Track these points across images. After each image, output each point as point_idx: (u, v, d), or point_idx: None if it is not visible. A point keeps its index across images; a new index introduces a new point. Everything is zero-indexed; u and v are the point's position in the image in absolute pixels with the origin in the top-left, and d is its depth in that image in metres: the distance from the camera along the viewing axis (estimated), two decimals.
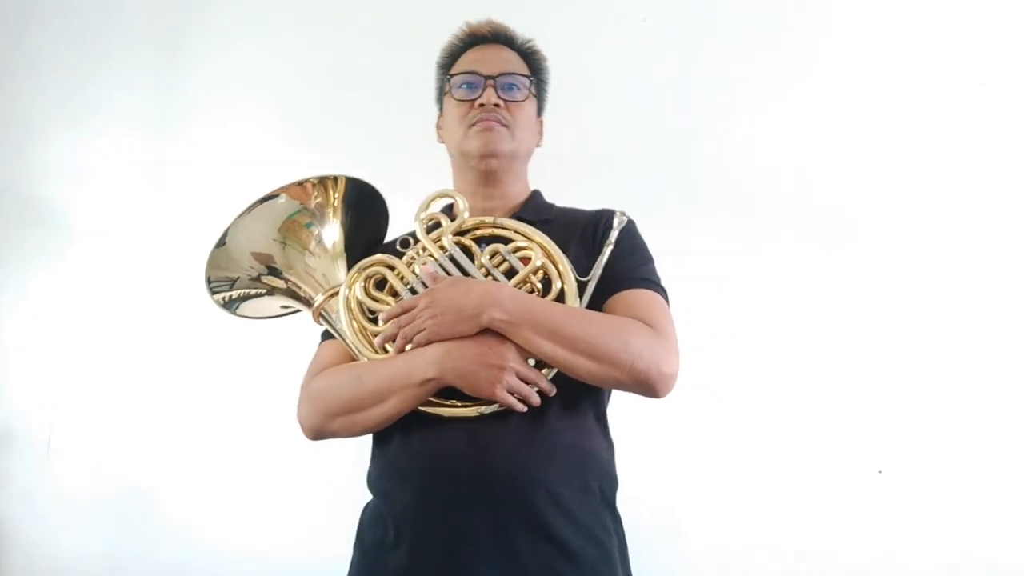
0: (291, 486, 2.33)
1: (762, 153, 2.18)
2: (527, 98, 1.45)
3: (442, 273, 1.29)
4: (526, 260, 1.31)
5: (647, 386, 1.22)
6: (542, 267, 1.29)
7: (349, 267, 1.39)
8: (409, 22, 2.43)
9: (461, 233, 1.36)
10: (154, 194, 2.57)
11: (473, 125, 1.41)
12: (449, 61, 1.52)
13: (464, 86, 1.45)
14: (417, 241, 1.35)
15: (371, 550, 1.28)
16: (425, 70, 2.35)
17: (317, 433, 1.31)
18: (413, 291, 1.30)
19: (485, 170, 1.43)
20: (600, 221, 1.41)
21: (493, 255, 1.32)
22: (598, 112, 2.22)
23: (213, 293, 1.41)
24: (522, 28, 1.56)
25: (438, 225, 1.36)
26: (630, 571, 1.30)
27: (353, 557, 1.34)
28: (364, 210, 1.47)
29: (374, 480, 1.33)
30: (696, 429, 1.92)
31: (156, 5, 2.64)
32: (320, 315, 1.37)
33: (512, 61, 1.47)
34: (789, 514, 2.03)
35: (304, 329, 2.15)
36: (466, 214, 1.35)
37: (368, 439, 1.37)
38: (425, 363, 1.20)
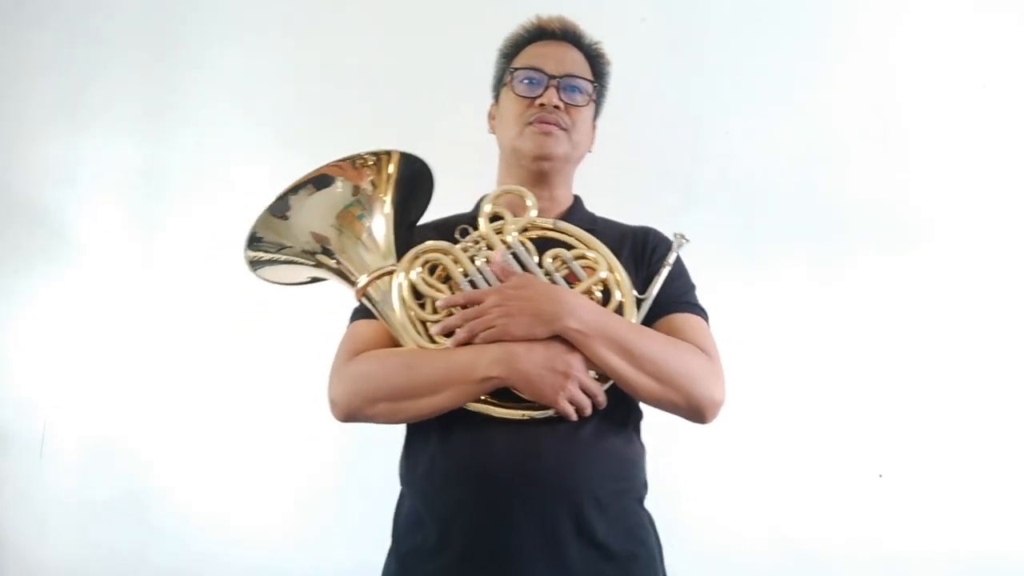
0: (289, 490, 2.30)
1: (762, 154, 2.22)
2: (588, 103, 1.43)
3: (511, 269, 1.26)
4: (588, 269, 1.29)
5: (699, 412, 1.24)
6: (605, 280, 1.28)
7: (398, 248, 1.33)
8: (405, 22, 2.42)
9: (521, 231, 1.33)
10: (148, 196, 2.53)
11: (530, 124, 1.38)
12: (512, 51, 1.48)
13: (526, 81, 1.41)
14: (475, 232, 1.31)
15: (409, 556, 1.25)
16: (421, 70, 2.38)
17: (351, 416, 1.25)
18: (472, 284, 1.26)
19: (537, 170, 1.40)
20: (648, 238, 1.42)
21: (554, 258, 1.30)
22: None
23: (252, 249, 1.32)
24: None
25: (498, 218, 1.33)
26: (666, 571, 1.33)
27: (389, 564, 1.31)
28: (412, 187, 1.41)
29: (413, 480, 1.29)
30: (695, 432, 1.97)
31: (149, 6, 2.58)
32: (364, 295, 1.31)
33: (577, 62, 1.44)
34: (790, 517, 2.08)
35: (300, 331, 2.19)
36: (534, 212, 1.33)
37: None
38: (489, 361, 1.17)
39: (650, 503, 1.33)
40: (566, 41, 1.46)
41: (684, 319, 1.33)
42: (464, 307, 1.23)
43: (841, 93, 2.22)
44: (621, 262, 1.35)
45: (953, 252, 2.14)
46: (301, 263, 1.34)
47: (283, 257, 1.33)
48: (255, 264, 1.36)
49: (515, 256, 1.29)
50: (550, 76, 1.39)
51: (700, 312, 1.36)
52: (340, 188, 1.32)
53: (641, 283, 1.34)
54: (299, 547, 2.27)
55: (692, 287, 1.41)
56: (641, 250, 1.40)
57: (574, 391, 1.18)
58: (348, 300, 1.38)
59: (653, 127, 2.24)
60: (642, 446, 1.35)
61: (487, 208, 1.32)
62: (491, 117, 1.53)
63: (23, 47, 2.61)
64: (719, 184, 2.21)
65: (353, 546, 2.17)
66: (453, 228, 1.38)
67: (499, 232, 1.31)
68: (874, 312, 2.13)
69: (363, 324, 1.34)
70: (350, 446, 2.14)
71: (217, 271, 2.37)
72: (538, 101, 1.38)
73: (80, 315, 2.51)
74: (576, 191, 1.52)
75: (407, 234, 1.38)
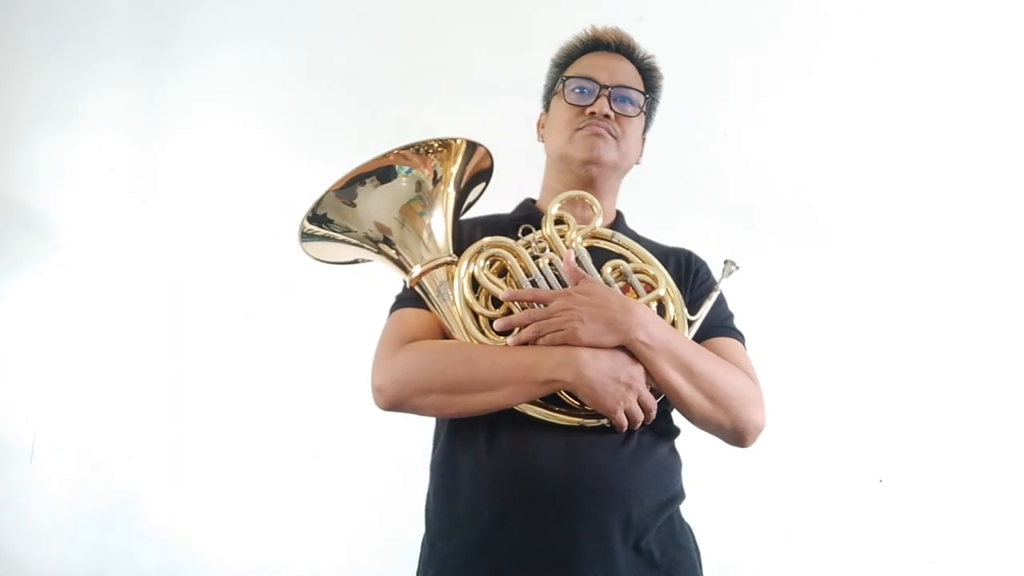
0: (281, 495, 2.25)
1: (760, 155, 2.23)
2: (639, 115, 1.45)
3: (584, 273, 1.25)
4: (646, 284, 1.30)
5: (741, 436, 1.26)
6: (664, 297, 1.29)
7: (455, 239, 1.30)
8: (398, 23, 2.40)
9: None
10: (139, 197, 2.50)
11: (580, 129, 1.38)
12: (566, 61, 1.49)
13: (578, 90, 1.42)
14: (537, 232, 1.31)
15: (453, 557, 1.22)
16: (414, 72, 2.37)
17: (398, 405, 1.21)
18: (534, 284, 1.24)
19: (585, 176, 1.40)
20: (692, 261, 1.45)
21: (614, 269, 1.30)
22: None
23: (313, 223, 1.27)
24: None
25: (560, 222, 1.32)
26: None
27: (428, 566, 1.27)
28: (473, 179, 1.39)
29: (457, 481, 1.25)
30: (693, 438, 1.99)
31: (141, 5, 2.57)
32: (418, 284, 1.28)
33: (630, 74, 1.46)
34: (790, 522, 2.08)
35: (293, 337, 2.16)
36: (599, 221, 1.33)
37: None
38: (555, 363, 1.15)
39: None
40: (619, 53, 1.48)
41: (727, 343, 1.35)
42: (527, 306, 1.22)
43: (838, 92, 2.22)
44: None
45: (958, 255, 2.14)
46: (361, 246, 1.30)
47: (344, 238, 1.29)
48: (307, 236, 1.31)
49: (577, 262, 1.28)
50: (602, 86, 1.40)
51: (740, 337, 1.39)
52: (404, 181, 1.29)
53: (684, 303, 1.35)
54: (290, 552, 2.22)
55: (731, 314, 1.43)
56: (685, 271, 1.42)
57: (632, 403, 1.18)
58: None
59: (649, 131, 2.26)
60: (679, 458, 1.36)
61: (554, 210, 1.31)
62: (540, 126, 1.53)
63: (13, 47, 2.59)
64: (716, 187, 2.22)
65: (348, 550, 2.13)
66: (498, 227, 1.37)
67: (561, 236, 1.30)
68: (876, 316, 2.13)
69: (411, 312, 1.30)
70: (343, 448, 2.12)
71: (209, 273, 2.36)
72: (589, 109, 1.38)
73: (70, 319, 2.47)
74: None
75: (455, 227, 1.36)
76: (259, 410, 2.31)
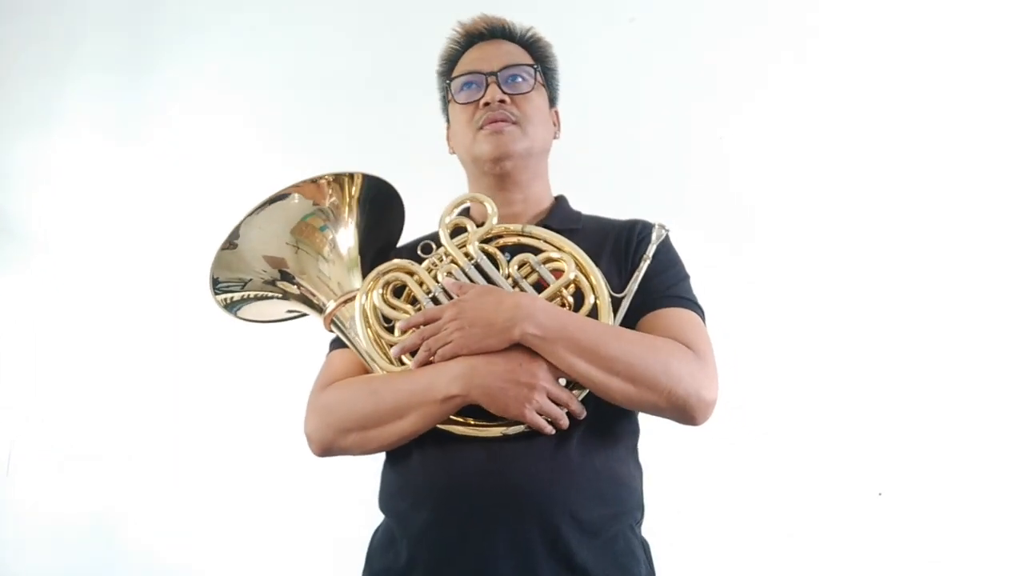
0: (263, 512, 2.23)
1: (757, 159, 2.14)
2: (533, 88, 1.36)
3: (467, 283, 1.20)
4: (557, 272, 1.22)
5: (685, 413, 1.15)
6: (574, 280, 1.21)
7: (364, 272, 1.30)
8: (384, 22, 2.39)
9: (486, 241, 1.27)
10: (120, 200, 2.46)
11: (481, 128, 1.33)
12: (448, 67, 1.44)
13: (465, 88, 1.37)
14: (439, 247, 1.26)
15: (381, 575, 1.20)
16: (401, 71, 2.28)
17: (326, 449, 1.22)
18: (435, 300, 1.21)
19: (500, 173, 1.34)
20: (634, 232, 1.33)
21: (521, 265, 1.23)
22: (585, 114, 2.14)
23: (217, 293, 1.31)
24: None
25: (462, 230, 1.28)
26: None
27: None
28: (380, 210, 1.38)
29: (387, 500, 1.24)
30: (691, 449, 1.88)
31: (120, 7, 2.57)
32: (332, 322, 1.28)
33: (513, 53, 1.39)
34: (789, 535, 1.99)
35: (275, 345, 2.05)
36: (495, 220, 1.26)
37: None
38: (449, 379, 1.12)
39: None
40: (496, 38, 1.42)
41: (671, 314, 1.24)
42: (426, 325, 1.18)
43: (833, 92, 2.14)
44: (602, 260, 1.28)
45: (960, 261, 2.04)
46: (265, 297, 1.32)
47: (245, 295, 1.32)
48: (230, 307, 1.35)
49: (478, 267, 1.23)
50: (487, 73, 1.34)
51: (689, 304, 1.26)
52: (296, 201, 1.28)
53: (626, 279, 1.25)
54: (270, 568, 2.21)
55: (683, 278, 1.31)
56: (625, 244, 1.32)
57: (542, 402, 1.11)
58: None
59: (642, 131, 2.17)
60: (638, 467, 1.26)
61: (446, 220, 1.27)
62: (448, 139, 1.49)
63: None
64: (711, 191, 2.13)
65: (326, 569, 2.11)
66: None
67: (462, 245, 1.26)
68: (877, 324, 2.03)
69: (337, 354, 1.32)
70: (322, 467, 2.07)
71: (193, 279, 2.27)
72: (482, 101, 1.33)
73: (48, 327, 2.43)
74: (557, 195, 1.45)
75: (380, 259, 1.35)
76: (241, 424, 2.26)
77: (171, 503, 2.29)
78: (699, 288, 1.32)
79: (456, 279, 1.21)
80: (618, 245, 1.32)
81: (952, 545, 1.93)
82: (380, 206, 1.37)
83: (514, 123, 1.32)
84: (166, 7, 2.54)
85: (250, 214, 1.26)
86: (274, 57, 2.45)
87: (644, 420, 1.26)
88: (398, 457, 1.22)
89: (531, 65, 1.38)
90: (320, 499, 2.11)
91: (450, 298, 1.19)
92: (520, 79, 1.35)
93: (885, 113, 2.11)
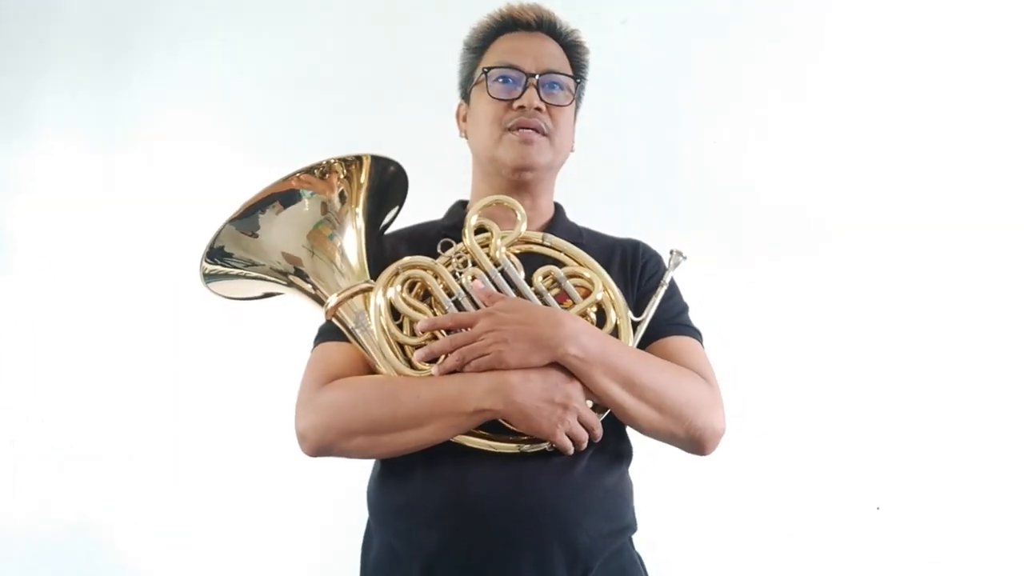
0: (244, 522, 2.18)
1: (751, 164, 2.14)
2: (570, 102, 1.32)
3: (496, 292, 1.15)
4: (581, 289, 1.20)
5: (699, 444, 1.17)
6: (601, 301, 1.19)
7: (371, 263, 1.21)
8: (368, 25, 2.32)
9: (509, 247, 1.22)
10: (97, 206, 2.40)
11: (510, 130, 1.27)
12: (481, 45, 1.36)
13: (501, 80, 1.29)
14: (458, 246, 1.20)
15: None
16: (385, 75, 2.25)
17: (323, 450, 1.12)
18: (457, 304, 1.15)
19: (519, 181, 1.29)
20: (639, 254, 1.33)
21: (545, 276, 1.20)
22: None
23: (213, 261, 1.18)
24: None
25: (482, 230, 1.22)
26: None
27: None
28: (385, 194, 1.29)
29: (385, 516, 1.16)
30: (688, 463, 1.93)
31: (97, 9, 2.47)
32: (335, 316, 1.18)
33: (555, 56, 1.33)
34: (787, 550, 2.02)
35: (265, 352, 2.06)
36: (523, 225, 1.22)
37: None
38: (483, 392, 1.06)
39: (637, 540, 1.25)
40: (540, 31, 1.35)
41: (680, 343, 1.25)
42: (450, 331, 1.12)
43: (831, 98, 2.16)
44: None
45: (959, 269, 2.06)
46: (270, 280, 1.21)
47: (252, 273, 1.20)
48: (210, 277, 1.21)
49: (504, 274, 1.18)
50: (528, 74, 1.27)
51: (695, 334, 1.28)
52: (308, 204, 1.19)
53: (632, 302, 1.26)
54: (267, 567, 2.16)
55: (685, 307, 1.33)
56: (632, 266, 1.31)
57: (572, 424, 1.09)
58: (311, 316, 1.26)
59: (634, 135, 2.17)
60: (631, 484, 1.27)
61: (473, 220, 1.20)
62: (460, 118, 1.41)
63: None
64: (705, 196, 2.13)
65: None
66: (425, 239, 1.27)
67: (484, 246, 1.20)
68: (873, 336, 2.06)
69: (333, 347, 1.21)
70: (310, 477, 1.98)
71: (175, 284, 2.25)
72: (516, 103, 1.26)
73: (24, 335, 2.38)
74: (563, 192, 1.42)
75: (377, 245, 1.26)
76: (222, 434, 2.22)
77: (151, 516, 2.26)
78: (694, 294, 1.34)
79: (483, 285, 1.16)
80: (624, 266, 1.32)
81: (950, 560, 1.98)
82: (385, 189, 1.28)
83: (544, 135, 1.27)
84: (142, 14, 2.45)
85: (259, 201, 1.17)
86: (260, 60, 2.37)
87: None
88: (401, 470, 1.15)
89: (572, 76, 1.33)
90: (314, 503, 2.05)
91: (474, 303, 1.14)
92: (559, 89, 1.30)
93: (878, 115, 2.12)
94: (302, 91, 2.32)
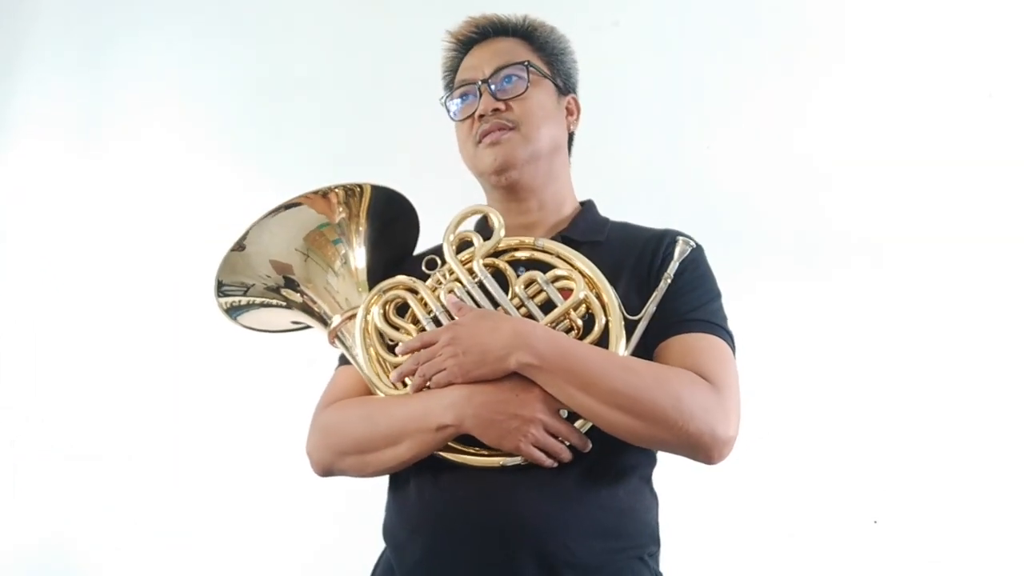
0: (251, 532, 2.15)
1: (747, 168, 2.04)
2: (529, 85, 1.26)
3: (469, 303, 1.14)
4: (566, 292, 1.14)
5: (699, 451, 1.06)
6: (584, 301, 1.12)
7: (371, 286, 1.25)
8: (351, 23, 2.32)
9: (496, 255, 1.20)
10: (75, 207, 2.40)
11: (479, 142, 1.25)
12: (450, 78, 1.37)
13: (459, 100, 1.30)
14: (444, 263, 1.19)
15: None
16: (365, 80, 2.26)
17: (326, 470, 1.19)
18: (437, 321, 1.15)
19: (507, 184, 1.27)
20: (661, 245, 1.23)
21: (529, 284, 1.16)
22: None
23: (221, 296, 1.29)
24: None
25: (469, 244, 1.21)
26: None
27: None
28: (391, 221, 1.33)
29: (388, 530, 1.20)
30: (685, 476, 1.82)
31: (77, 7, 2.51)
32: (336, 337, 1.24)
33: (503, 51, 1.29)
34: (784, 564, 1.92)
35: (248, 364, 2.03)
36: (501, 233, 1.19)
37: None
38: (442, 407, 1.06)
39: None
40: (489, 37, 1.33)
41: (690, 340, 1.14)
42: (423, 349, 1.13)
43: (826, 103, 2.05)
44: (623, 276, 1.19)
45: (959, 277, 1.94)
46: (268, 304, 1.29)
47: (247, 300, 1.29)
48: (231, 311, 1.33)
49: (481, 287, 1.16)
50: (479, 83, 1.26)
51: (714, 329, 1.16)
52: (311, 212, 1.24)
53: (647, 299, 1.16)
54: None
55: (711, 299, 1.20)
56: (650, 259, 1.22)
57: (539, 435, 1.05)
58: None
59: (627, 139, 2.09)
60: (653, 497, 1.19)
61: (450, 236, 1.20)
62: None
63: None
64: (699, 202, 2.02)
65: None
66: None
67: (467, 261, 1.19)
68: (870, 348, 1.95)
69: (342, 371, 1.28)
70: (314, 490, 1.97)
71: (150, 289, 2.23)
72: (476, 114, 1.25)
73: (5, 340, 2.37)
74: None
75: (391, 272, 1.29)
76: (203, 450, 2.18)
77: (127, 534, 2.22)
78: None
79: (459, 298, 1.15)
80: (642, 260, 1.22)
81: (948, 572, 1.87)
82: (392, 217, 1.32)
83: (512, 129, 1.24)
84: (120, 14, 2.48)
85: (263, 218, 1.22)
86: (241, 61, 2.39)
87: None
88: (399, 485, 1.18)
89: (521, 62, 1.27)
90: (324, 518, 2.07)
91: (451, 318, 1.13)
92: (514, 79, 1.26)
93: (875, 120, 2.02)
94: (287, 93, 2.33)
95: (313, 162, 2.14)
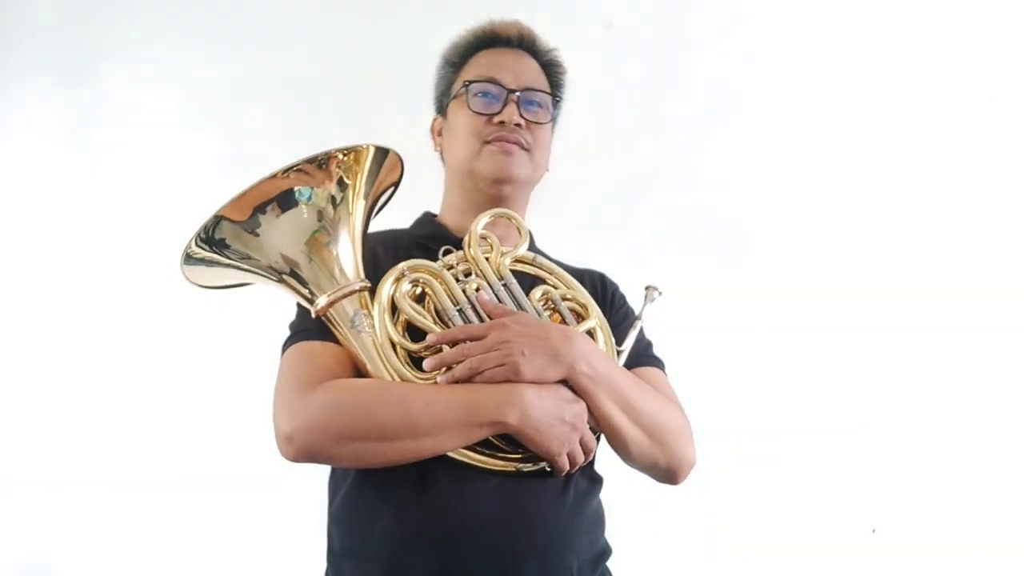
0: (203, 553, 2.08)
1: (742, 171, 2.11)
2: (548, 120, 1.34)
3: (503, 306, 1.14)
4: (574, 313, 1.21)
5: (675, 474, 1.20)
6: (593, 329, 1.20)
7: (364, 256, 1.15)
8: (339, 24, 2.27)
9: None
10: (61, 207, 2.33)
11: (489, 143, 1.27)
12: (460, 59, 1.35)
13: (481, 95, 1.29)
14: (461, 258, 1.18)
15: None
16: (353, 81, 2.21)
17: (311, 454, 1.04)
18: (461, 313, 1.12)
19: (496, 194, 1.29)
20: (607, 285, 1.37)
21: (542, 296, 1.20)
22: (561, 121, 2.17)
23: (203, 245, 1.07)
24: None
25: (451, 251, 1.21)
26: None
27: None
28: (380, 188, 1.23)
29: (373, 539, 1.07)
30: (684, 486, 1.95)
31: (63, 7, 2.40)
32: (326, 315, 1.11)
33: (535, 73, 1.34)
34: (783, 573, 2.00)
35: (224, 356, 1.99)
36: (525, 245, 1.22)
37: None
38: (499, 403, 1.03)
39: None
40: (520, 48, 1.36)
41: (651, 373, 1.28)
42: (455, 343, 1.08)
43: (819, 101, 2.12)
44: None
45: (959, 285, 2.03)
46: (261, 275, 1.13)
47: (243, 266, 1.12)
48: (194, 260, 1.10)
49: (507, 288, 1.17)
50: (509, 90, 1.28)
51: (662, 366, 1.32)
52: (307, 206, 1.12)
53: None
54: None
55: (651, 341, 1.37)
56: (602, 296, 1.33)
57: (575, 445, 1.09)
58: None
59: (620, 142, 2.13)
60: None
61: (479, 229, 1.19)
62: (435, 133, 1.39)
63: None
64: (694, 207, 2.10)
65: None
66: (399, 246, 1.24)
67: (485, 258, 1.18)
68: (867, 356, 2.05)
69: (319, 347, 1.13)
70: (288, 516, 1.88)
71: (137, 290, 2.20)
72: (497, 118, 1.26)
73: None
74: (531, 213, 1.40)
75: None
76: (183, 460, 2.12)
77: (106, 551, 2.15)
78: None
79: (488, 296, 1.14)
80: (595, 294, 1.32)
81: None
82: (383, 180, 1.23)
83: (525, 149, 1.28)
84: (108, 13, 2.38)
85: (262, 200, 1.10)
86: (229, 60, 2.32)
87: None
88: (384, 489, 1.08)
89: (551, 95, 1.34)
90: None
91: (478, 316, 1.12)
92: (539, 107, 1.31)
93: (868, 117, 2.11)
94: (274, 92, 2.28)
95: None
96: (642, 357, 1.29)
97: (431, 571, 1.03)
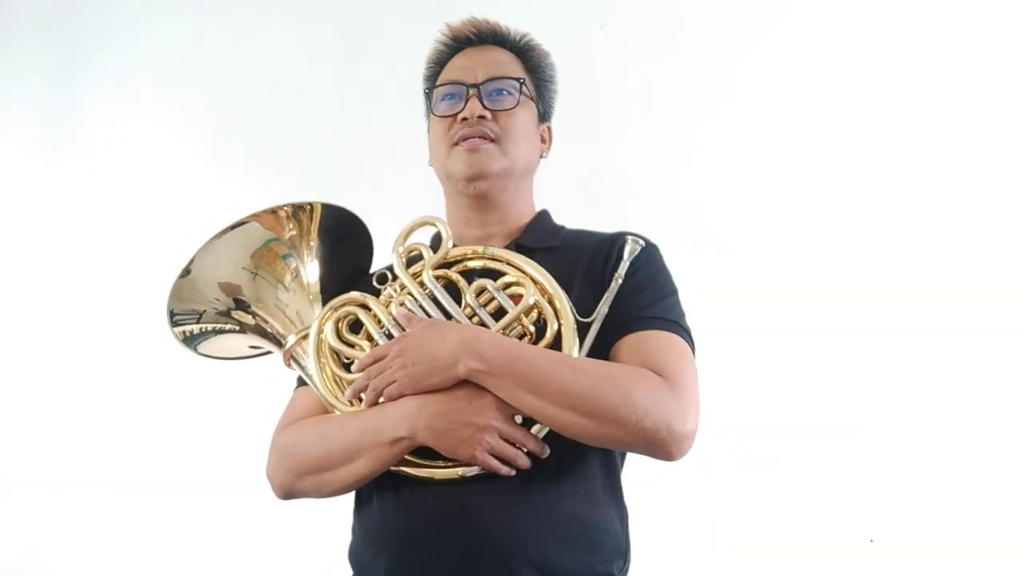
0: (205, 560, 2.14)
1: (739, 173, 2.07)
2: (518, 103, 1.27)
3: (420, 315, 1.13)
4: (517, 298, 1.14)
5: (656, 448, 1.05)
6: (535, 306, 1.12)
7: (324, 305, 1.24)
8: (328, 28, 2.34)
9: (447, 266, 1.20)
10: (48, 211, 2.38)
11: (456, 144, 1.24)
12: (434, 71, 1.35)
13: (446, 99, 1.28)
14: (396, 277, 1.19)
15: None
16: (346, 79, 2.28)
17: (286, 492, 1.18)
18: (390, 336, 1.14)
19: (475, 194, 1.26)
20: (613, 248, 1.22)
21: (480, 292, 1.16)
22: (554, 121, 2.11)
23: (175, 326, 1.28)
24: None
25: (420, 258, 1.21)
26: None
27: None
28: (344, 240, 1.32)
29: (353, 549, 1.18)
30: (683, 494, 1.86)
31: (49, 9, 2.49)
32: (292, 358, 1.23)
33: (502, 63, 1.29)
34: (783, 573, 1.93)
35: (225, 389, 1.94)
36: (450, 244, 1.19)
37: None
38: (396, 420, 1.05)
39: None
40: (486, 44, 1.32)
41: (644, 337, 1.13)
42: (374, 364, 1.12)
43: (813, 101, 2.08)
44: (575, 280, 1.18)
45: (959, 289, 1.97)
46: (223, 330, 1.28)
47: (200, 328, 1.28)
48: (188, 341, 1.32)
49: (432, 298, 1.16)
50: (469, 85, 1.25)
51: (669, 326, 1.14)
52: (257, 228, 1.24)
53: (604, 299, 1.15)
54: None
55: (665, 296, 1.19)
56: (603, 261, 1.21)
57: (494, 442, 1.04)
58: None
59: (616, 144, 2.10)
60: (618, 508, 1.17)
61: (400, 249, 1.20)
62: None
63: None
64: (690, 210, 2.04)
65: None
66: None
67: (418, 274, 1.19)
68: (867, 362, 1.99)
69: (300, 392, 1.27)
70: (267, 525, 1.97)
71: (129, 299, 2.19)
72: (460, 116, 1.24)
73: None
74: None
75: (346, 289, 1.28)
76: (180, 462, 2.17)
77: (95, 556, 2.20)
78: (683, 305, 1.22)
79: (410, 311, 1.14)
80: (594, 263, 1.21)
81: None
82: (344, 234, 1.32)
83: (492, 140, 1.24)
84: (93, 13, 2.47)
85: (208, 243, 1.21)
86: (218, 64, 2.40)
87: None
88: (362, 503, 1.17)
89: (517, 79, 1.28)
90: (291, 545, 2.01)
91: (403, 331, 1.13)
92: (505, 93, 1.26)
93: (867, 117, 2.06)
94: (263, 98, 2.33)
95: (284, 162, 2.19)
96: (635, 321, 1.14)
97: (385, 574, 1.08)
